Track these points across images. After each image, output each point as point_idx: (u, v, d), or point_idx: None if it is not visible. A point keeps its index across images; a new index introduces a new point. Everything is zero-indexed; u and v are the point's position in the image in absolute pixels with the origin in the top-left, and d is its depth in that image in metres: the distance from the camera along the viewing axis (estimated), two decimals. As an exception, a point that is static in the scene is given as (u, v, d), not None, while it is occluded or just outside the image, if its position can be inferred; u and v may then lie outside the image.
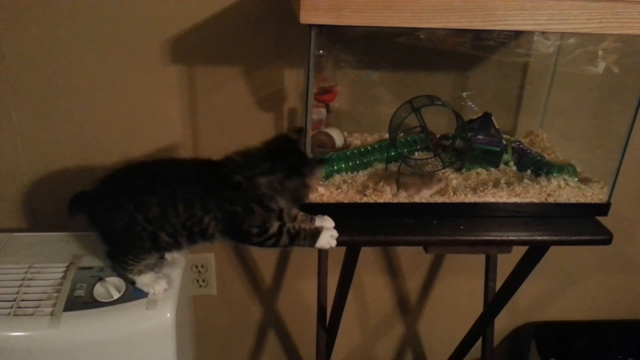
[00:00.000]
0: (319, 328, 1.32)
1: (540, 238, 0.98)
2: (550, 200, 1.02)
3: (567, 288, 1.58)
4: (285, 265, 1.44)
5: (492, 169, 1.09)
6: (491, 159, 1.09)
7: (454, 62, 1.20)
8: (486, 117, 1.11)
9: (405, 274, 1.50)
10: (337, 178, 1.04)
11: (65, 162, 1.22)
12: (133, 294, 0.97)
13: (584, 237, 1.00)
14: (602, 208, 1.03)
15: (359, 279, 1.48)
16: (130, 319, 0.94)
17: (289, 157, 0.88)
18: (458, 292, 1.53)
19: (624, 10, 0.83)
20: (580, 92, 1.18)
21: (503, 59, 1.19)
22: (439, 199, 1.00)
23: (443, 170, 1.05)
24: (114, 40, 1.12)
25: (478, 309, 1.36)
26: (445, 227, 0.98)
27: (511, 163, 1.11)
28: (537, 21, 0.83)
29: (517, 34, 1.13)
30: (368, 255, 1.44)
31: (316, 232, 0.91)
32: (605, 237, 0.99)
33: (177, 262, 1.06)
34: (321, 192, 0.99)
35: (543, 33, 1.11)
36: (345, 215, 0.97)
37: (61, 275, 1.00)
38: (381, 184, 1.00)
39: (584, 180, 1.06)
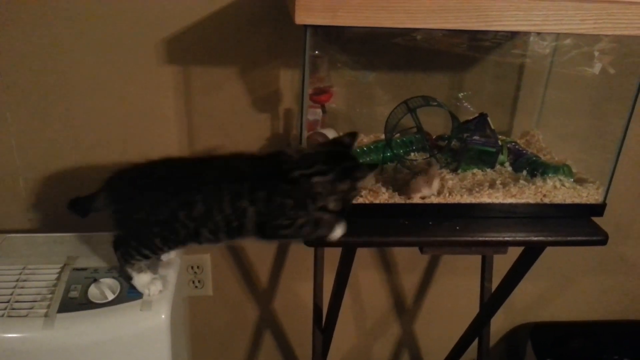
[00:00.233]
0: (315, 329, 1.32)
1: (535, 239, 0.98)
2: (546, 200, 1.02)
3: (563, 288, 1.58)
4: (281, 265, 1.44)
5: (488, 170, 1.09)
6: (487, 159, 1.09)
7: (450, 62, 1.20)
8: (482, 117, 1.11)
9: (401, 275, 1.50)
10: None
11: (61, 163, 1.21)
12: (128, 295, 0.97)
13: (579, 238, 1.00)
14: (598, 209, 1.03)
15: (355, 279, 1.48)
16: (124, 320, 0.94)
17: (343, 160, 0.90)
18: (454, 292, 1.53)
19: (618, 11, 0.84)
20: (576, 93, 1.18)
21: (499, 60, 1.20)
22: (435, 200, 1.00)
23: (434, 163, 1.05)
24: (110, 40, 1.11)
25: (474, 309, 1.36)
26: (441, 228, 0.98)
27: (507, 164, 1.11)
28: (532, 22, 0.83)
29: (513, 34, 1.13)
30: (364, 256, 1.44)
31: (334, 223, 0.93)
32: (600, 238, 0.99)
33: (173, 263, 1.05)
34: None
35: (539, 34, 1.11)
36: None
37: (55, 276, 1.00)
38: (378, 184, 1.00)
39: (580, 181, 1.07)
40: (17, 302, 0.95)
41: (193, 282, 1.41)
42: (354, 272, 1.11)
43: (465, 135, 1.09)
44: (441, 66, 1.21)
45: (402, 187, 1.01)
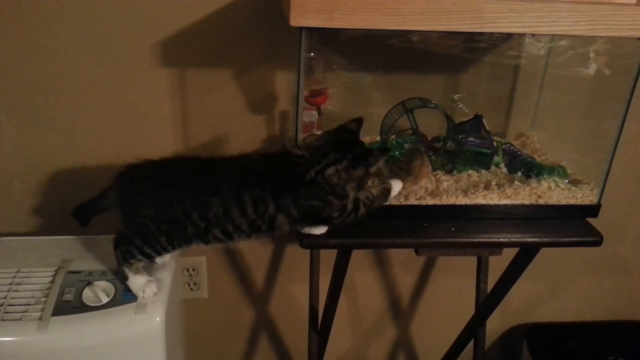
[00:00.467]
0: (311, 331, 1.32)
1: (530, 240, 0.98)
2: (541, 202, 1.03)
3: (559, 289, 1.58)
4: (277, 267, 1.44)
5: (483, 171, 1.09)
6: (482, 160, 1.09)
7: (446, 64, 1.20)
8: (477, 119, 1.12)
9: (397, 276, 1.50)
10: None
11: (55, 166, 1.21)
12: (122, 298, 0.96)
13: (574, 239, 1.00)
14: (592, 210, 1.04)
15: (350, 281, 1.48)
16: (119, 323, 0.93)
17: (354, 147, 0.91)
18: (450, 293, 1.53)
19: (612, 13, 0.84)
20: (570, 94, 1.18)
21: (494, 61, 1.20)
22: (430, 201, 1.00)
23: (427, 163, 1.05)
24: (105, 42, 1.11)
25: (470, 310, 1.36)
26: (436, 229, 0.98)
27: (502, 165, 1.11)
28: (526, 23, 0.84)
29: (508, 36, 1.13)
30: (360, 257, 1.44)
31: (386, 190, 0.95)
32: (595, 239, 0.99)
33: (167, 266, 1.05)
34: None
35: (534, 35, 1.11)
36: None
37: (50, 279, 1.00)
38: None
39: (574, 182, 1.07)
40: (10, 305, 0.94)
41: (188, 284, 1.41)
42: (349, 273, 1.11)
43: (460, 136, 1.09)
44: (437, 68, 1.21)
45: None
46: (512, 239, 0.98)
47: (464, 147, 1.09)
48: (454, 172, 1.07)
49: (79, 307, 0.94)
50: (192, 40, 1.12)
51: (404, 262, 1.47)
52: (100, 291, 0.96)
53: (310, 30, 0.84)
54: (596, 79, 1.04)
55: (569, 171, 1.09)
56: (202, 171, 0.92)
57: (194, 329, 1.46)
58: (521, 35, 1.13)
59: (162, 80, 1.15)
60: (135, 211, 0.91)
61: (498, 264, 1.18)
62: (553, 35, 1.07)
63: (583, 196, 1.04)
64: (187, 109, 1.19)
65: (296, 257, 1.41)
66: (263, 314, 1.51)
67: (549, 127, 1.24)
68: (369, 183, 0.96)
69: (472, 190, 1.02)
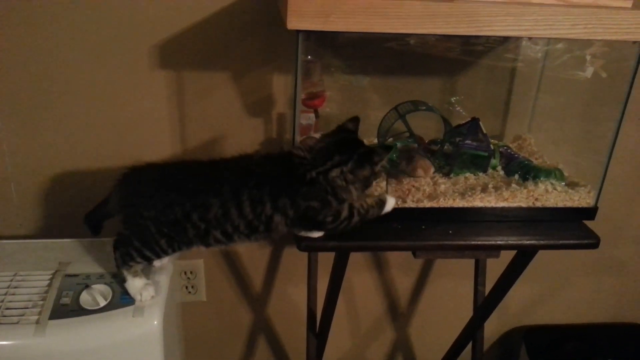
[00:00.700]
0: (309, 333, 1.32)
1: (528, 242, 0.99)
2: (538, 204, 1.03)
3: (556, 292, 1.58)
4: (275, 270, 1.44)
5: (480, 174, 1.09)
6: (479, 163, 1.10)
7: (443, 67, 1.21)
8: (474, 122, 1.12)
9: (395, 278, 1.50)
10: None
11: (52, 169, 1.21)
12: (120, 301, 0.96)
13: (571, 241, 1.00)
14: (589, 212, 1.04)
15: (349, 284, 1.48)
16: (117, 326, 0.93)
17: (357, 147, 0.91)
18: (448, 296, 1.53)
19: (608, 17, 0.84)
20: (567, 97, 1.18)
21: (491, 64, 1.20)
22: (427, 204, 1.00)
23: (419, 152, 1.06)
24: (103, 44, 1.11)
25: (468, 313, 1.36)
26: (433, 232, 0.98)
27: (499, 168, 1.11)
28: (522, 27, 0.84)
29: (505, 38, 1.13)
30: (358, 260, 1.44)
31: (381, 201, 0.94)
32: (592, 241, 0.99)
33: (165, 269, 1.05)
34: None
35: (530, 38, 1.11)
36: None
37: (47, 282, 0.99)
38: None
39: (571, 185, 1.07)
40: (8, 309, 0.94)
41: (186, 287, 1.41)
42: (347, 275, 1.11)
43: (457, 139, 1.09)
44: (434, 70, 1.22)
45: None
46: (510, 242, 0.98)
47: (461, 150, 1.09)
48: (452, 175, 1.08)
49: (77, 310, 0.94)
50: (190, 43, 1.13)
51: (402, 265, 1.48)
52: (97, 294, 0.96)
53: (308, 33, 0.84)
54: (593, 81, 1.05)
55: (565, 174, 1.09)
56: (203, 172, 0.92)
57: (192, 332, 1.46)
58: (518, 38, 1.13)
59: (160, 82, 1.15)
60: (135, 213, 0.91)
61: (496, 267, 1.18)
62: (549, 38, 1.07)
63: (580, 199, 1.04)
64: (185, 111, 1.19)
65: (294, 259, 1.41)
66: (261, 317, 1.51)
67: (545, 129, 1.24)
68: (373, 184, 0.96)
69: (470, 193, 1.02)
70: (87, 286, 0.98)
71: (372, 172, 0.91)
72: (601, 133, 1.07)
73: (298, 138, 0.96)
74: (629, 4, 0.88)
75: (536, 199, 1.03)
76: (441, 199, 1.00)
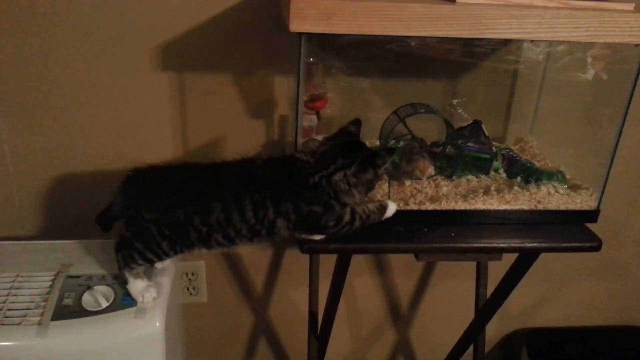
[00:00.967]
0: (311, 335, 1.32)
1: (530, 245, 0.98)
2: (540, 207, 1.03)
3: (558, 294, 1.58)
4: (276, 272, 1.44)
5: (483, 176, 1.09)
6: (481, 166, 1.10)
7: (445, 69, 1.21)
8: (476, 124, 1.12)
9: (396, 281, 1.50)
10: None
11: (54, 170, 1.21)
12: (122, 302, 0.96)
13: (573, 244, 1.00)
14: (592, 215, 1.04)
15: (350, 286, 1.48)
16: (119, 328, 0.93)
17: (360, 150, 0.91)
18: (449, 298, 1.53)
19: (610, 19, 0.84)
20: (569, 99, 1.18)
21: (493, 66, 1.20)
22: (429, 206, 1.00)
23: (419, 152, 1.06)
24: (104, 47, 1.11)
25: (469, 315, 1.36)
26: (436, 235, 0.98)
27: (501, 170, 1.11)
28: (525, 29, 0.84)
29: (507, 41, 1.13)
30: (359, 262, 1.44)
31: (382, 207, 0.94)
32: (594, 244, 0.99)
33: (167, 270, 1.05)
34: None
35: (532, 41, 1.11)
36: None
37: (49, 284, 0.99)
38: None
39: (574, 187, 1.07)
40: (10, 310, 0.94)
41: (188, 289, 1.41)
42: (349, 278, 1.11)
43: (459, 141, 1.09)
44: (436, 72, 1.22)
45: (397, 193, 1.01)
46: (512, 245, 0.98)
47: (463, 152, 1.09)
48: (454, 178, 1.08)
49: (79, 311, 0.94)
50: (192, 45, 1.13)
51: (403, 267, 1.47)
52: (99, 296, 0.96)
53: (310, 35, 0.85)
54: (594, 84, 1.04)
55: (567, 176, 1.09)
56: (205, 176, 0.92)
57: (193, 334, 1.46)
58: (520, 40, 1.13)
59: (162, 84, 1.16)
60: (138, 215, 0.91)
61: (497, 269, 1.18)
62: (552, 41, 1.07)
63: (582, 201, 1.04)
64: (186, 113, 1.19)
65: (295, 261, 1.41)
66: (262, 319, 1.50)
67: (547, 132, 1.24)
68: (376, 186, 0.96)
69: (472, 196, 1.02)
70: (89, 287, 0.98)
71: (376, 175, 0.91)
72: (603, 135, 1.07)
73: (300, 140, 0.96)
74: (631, 7, 0.88)
75: (538, 202, 1.03)
76: (443, 202, 1.00)
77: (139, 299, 0.96)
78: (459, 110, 1.21)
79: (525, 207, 1.02)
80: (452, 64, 1.19)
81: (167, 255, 0.94)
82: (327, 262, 1.23)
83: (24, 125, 1.16)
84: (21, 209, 1.24)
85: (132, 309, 0.95)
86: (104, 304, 0.95)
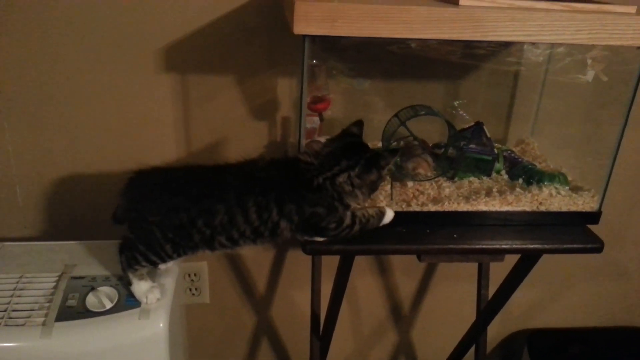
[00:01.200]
0: (313, 336, 1.32)
1: (532, 246, 0.99)
2: (542, 208, 1.03)
3: (560, 295, 1.58)
4: (278, 273, 1.44)
5: (485, 178, 1.09)
6: (483, 167, 1.10)
7: (446, 70, 1.21)
8: (478, 126, 1.12)
9: (398, 281, 1.50)
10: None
11: (58, 171, 1.21)
12: (126, 303, 0.96)
13: (575, 246, 1.00)
14: (593, 216, 1.04)
15: (352, 287, 1.48)
16: (123, 329, 0.93)
17: (363, 151, 0.91)
18: (451, 299, 1.53)
19: (612, 22, 0.85)
20: (570, 100, 1.19)
21: (494, 68, 1.21)
22: (432, 208, 1.01)
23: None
24: (108, 48, 1.11)
25: (471, 316, 1.36)
26: (438, 236, 0.98)
27: (503, 172, 1.12)
28: (527, 32, 0.84)
29: (508, 42, 1.14)
30: (361, 263, 1.44)
31: (381, 212, 0.94)
32: (596, 246, 1.00)
33: (171, 271, 1.05)
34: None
35: (533, 43, 1.12)
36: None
37: (53, 285, 1.00)
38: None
39: (575, 189, 1.07)
40: (14, 311, 0.94)
41: (190, 289, 1.41)
42: (351, 278, 1.11)
43: (461, 143, 1.09)
44: (437, 74, 1.22)
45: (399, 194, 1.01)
46: (514, 246, 0.98)
47: (465, 154, 1.09)
48: (456, 179, 1.08)
49: (83, 312, 0.94)
50: (195, 47, 1.13)
51: (405, 268, 1.48)
52: (103, 297, 0.96)
53: (313, 37, 0.85)
54: (595, 85, 1.05)
55: (569, 178, 1.10)
56: (208, 178, 0.92)
57: (195, 334, 1.46)
58: (521, 43, 1.13)
59: (165, 86, 1.16)
60: (141, 217, 0.91)
61: (499, 270, 1.18)
62: (553, 43, 1.08)
63: (584, 203, 1.04)
64: (189, 115, 1.20)
65: (297, 262, 1.41)
66: (264, 319, 1.51)
67: (549, 133, 1.24)
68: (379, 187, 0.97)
69: (474, 197, 1.02)
70: (93, 288, 0.98)
71: (379, 176, 0.91)
72: (604, 137, 1.07)
73: (303, 142, 0.97)
74: (633, 10, 0.88)
75: (540, 203, 1.03)
76: (446, 203, 1.01)
77: (143, 300, 0.96)
78: (460, 112, 1.21)
79: (527, 209, 1.03)
80: (453, 66, 1.19)
81: (171, 258, 0.94)
82: (329, 263, 1.24)
83: (27, 126, 1.16)
84: (24, 209, 1.24)
85: (136, 310, 0.95)
86: (108, 305, 0.96)
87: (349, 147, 0.91)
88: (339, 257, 1.09)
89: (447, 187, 1.05)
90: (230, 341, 1.53)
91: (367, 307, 1.53)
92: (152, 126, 1.20)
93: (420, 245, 0.98)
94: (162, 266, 1.03)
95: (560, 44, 1.07)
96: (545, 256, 1.03)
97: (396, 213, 0.99)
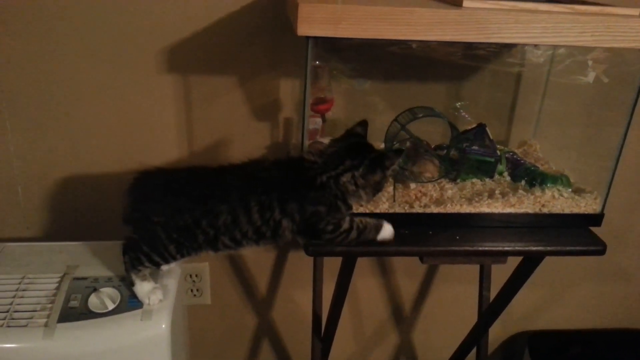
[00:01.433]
0: (314, 338, 1.32)
1: (534, 248, 0.99)
2: (545, 210, 1.03)
3: (561, 297, 1.58)
4: (280, 274, 1.44)
5: (487, 180, 1.09)
6: (485, 169, 1.10)
7: (448, 71, 1.21)
8: (481, 128, 1.12)
9: (400, 283, 1.50)
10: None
11: (59, 172, 1.21)
12: (128, 304, 0.96)
13: (578, 248, 1.00)
14: (596, 219, 1.04)
15: (354, 288, 1.48)
16: (125, 330, 0.93)
17: (368, 151, 0.91)
18: (453, 301, 1.53)
19: (615, 24, 0.85)
20: (572, 102, 1.19)
21: (496, 69, 1.21)
22: (434, 210, 1.01)
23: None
24: (110, 49, 1.11)
25: (472, 318, 1.36)
26: (440, 238, 0.98)
27: (505, 173, 1.12)
28: (531, 34, 0.84)
29: (510, 44, 1.14)
30: (363, 264, 1.44)
31: (379, 225, 0.94)
32: (599, 248, 1.00)
33: (173, 272, 1.05)
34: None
35: (536, 44, 1.12)
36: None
37: (55, 285, 1.00)
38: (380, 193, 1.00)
39: (578, 191, 1.07)
40: (16, 311, 0.94)
41: (191, 290, 1.41)
42: (352, 280, 1.11)
43: (464, 145, 1.09)
44: (439, 75, 1.22)
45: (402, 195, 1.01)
46: (517, 248, 0.98)
47: (468, 156, 1.09)
48: (458, 181, 1.08)
49: (85, 313, 0.94)
50: (198, 47, 1.13)
51: (407, 269, 1.48)
52: (106, 298, 0.96)
53: (317, 39, 0.85)
54: (597, 87, 1.05)
55: (571, 180, 1.09)
56: (212, 179, 0.92)
57: (196, 335, 1.46)
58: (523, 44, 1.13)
59: (167, 86, 1.16)
60: (145, 218, 0.91)
61: (500, 272, 1.18)
62: (557, 45, 1.08)
63: (586, 205, 1.04)
64: (191, 116, 1.20)
65: (299, 263, 1.41)
66: (266, 320, 1.51)
67: (551, 135, 1.24)
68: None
69: (477, 199, 1.02)
70: (95, 289, 0.98)
71: (384, 176, 0.91)
72: (606, 139, 1.07)
73: (306, 142, 0.97)
74: (637, 12, 0.88)
75: (543, 205, 1.03)
76: (448, 205, 1.01)
77: (145, 301, 0.96)
78: (463, 113, 1.21)
79: (530, 211, 1.03)
80: (455, 67, 1.19)
81: (174, 259, 0.94)
82: (331, 264, 1.24)
83: (29, 127, 1.16)
84: (26, 210, 1.24)
85: (138, 311, 0.95)
86: (111, 306, 0.96)
87: (354, 147, 0.92)
88: (341, 258, 1.09)
89: (450, 189, 1.05)
90: (231, 342, 1.53)
91: (369, 309, 1.53)
92: (154, 127, 1.20)
93: (423, 247, 0.98)
94: (164, 267, 1.03)
95: (561, 45, 1.07)
96: (547, 258, 1.03)
97: (399, 215, 1.00)
